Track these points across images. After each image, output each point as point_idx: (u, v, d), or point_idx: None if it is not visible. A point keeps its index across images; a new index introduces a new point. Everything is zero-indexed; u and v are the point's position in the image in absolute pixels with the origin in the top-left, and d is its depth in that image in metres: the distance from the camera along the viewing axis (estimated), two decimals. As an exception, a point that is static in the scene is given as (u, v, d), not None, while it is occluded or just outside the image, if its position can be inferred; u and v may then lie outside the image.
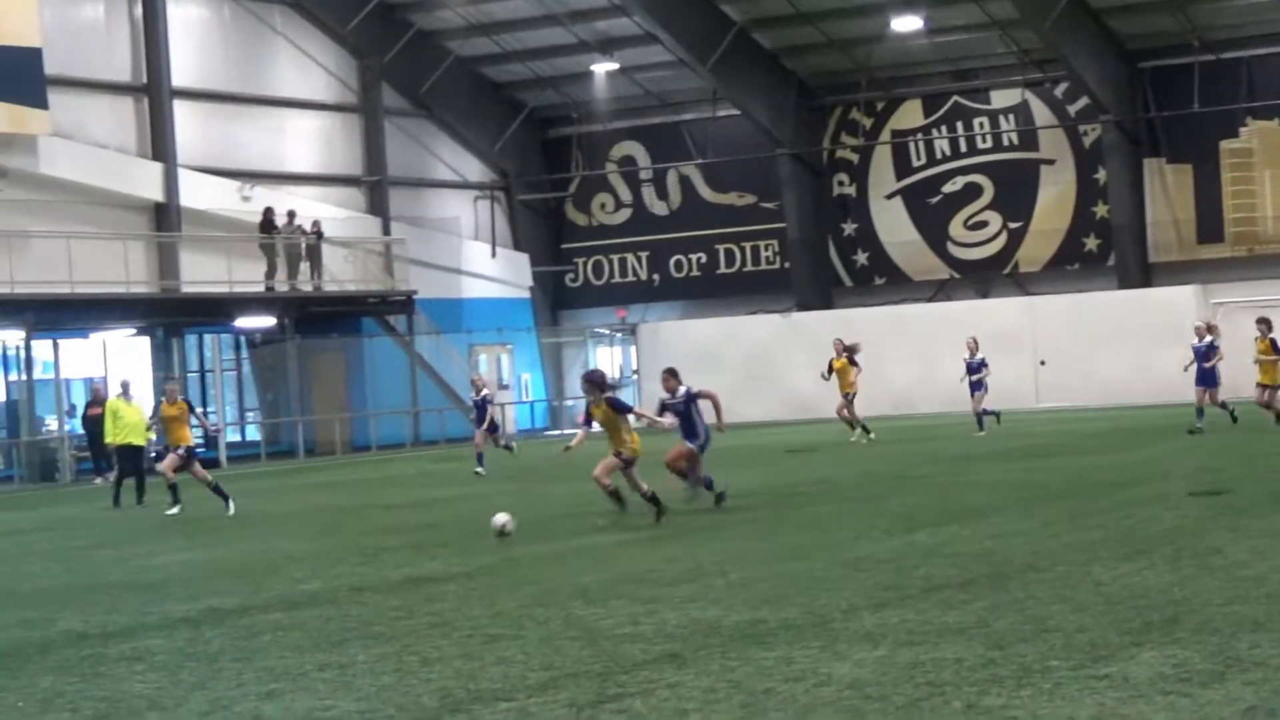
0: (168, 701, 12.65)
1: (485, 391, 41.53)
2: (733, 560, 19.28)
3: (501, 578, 19.71)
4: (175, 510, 32.33)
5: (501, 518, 23.23)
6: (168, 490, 33.12)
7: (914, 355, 55.49)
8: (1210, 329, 40.16)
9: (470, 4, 60.95)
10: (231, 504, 32.02)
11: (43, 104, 51.10)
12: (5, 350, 51.43)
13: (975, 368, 44.28)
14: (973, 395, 44.13)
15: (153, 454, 45.78)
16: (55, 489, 46.73)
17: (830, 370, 43.49)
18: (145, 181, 54.98)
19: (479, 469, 39.70)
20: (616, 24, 61.19)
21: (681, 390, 26.71)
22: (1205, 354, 39.19)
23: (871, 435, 42.55)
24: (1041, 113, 61.45)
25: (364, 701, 12.28)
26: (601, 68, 64.60)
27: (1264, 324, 38.25)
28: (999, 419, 44.27)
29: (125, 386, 38.21)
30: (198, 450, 35.86)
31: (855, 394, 43.25)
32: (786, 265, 64.73)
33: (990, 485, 28.87)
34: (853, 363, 43.25)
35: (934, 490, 28.47)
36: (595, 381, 25.65)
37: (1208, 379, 39.09)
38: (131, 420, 36.84)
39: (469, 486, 36.68)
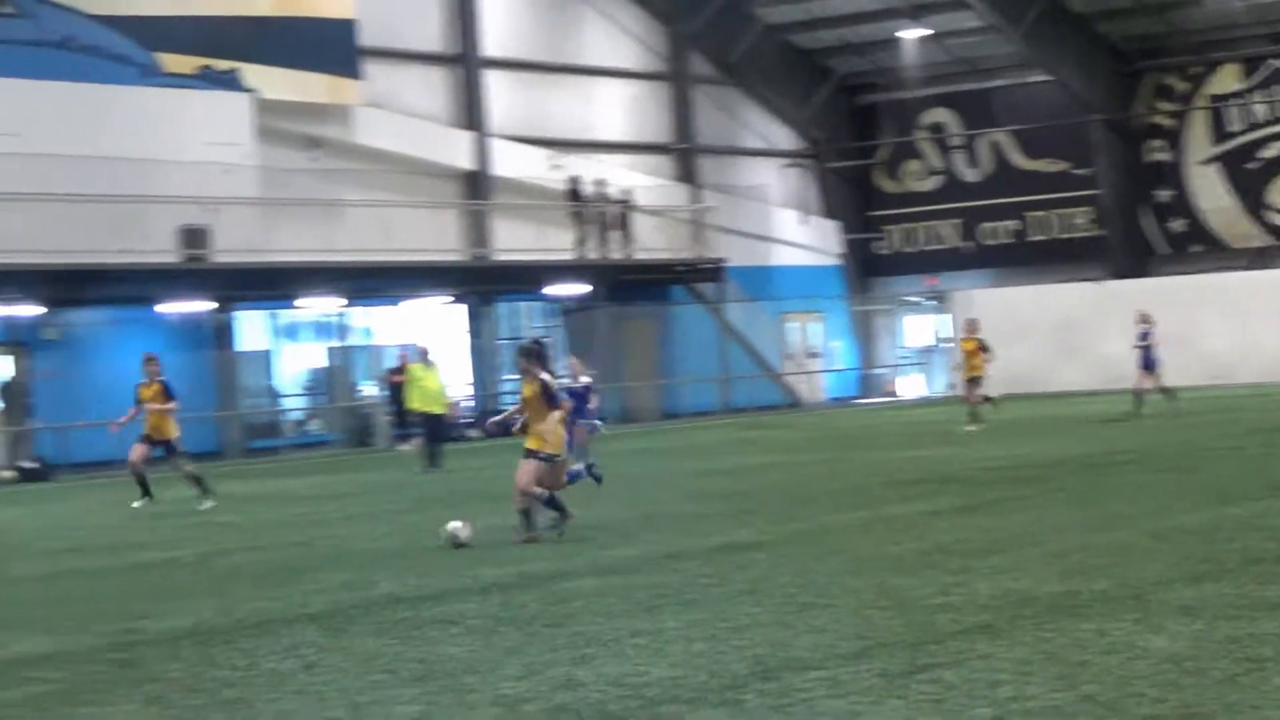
0: (482, 665, 12.79)
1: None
2: (1044, 530, 19.11)
3: (812, 546, 19.64)
4: (139, 504, 30.39)
5: (454, 525, 20.95)
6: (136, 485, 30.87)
7: (1232, 324, 54.30)
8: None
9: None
10: (209, 501, 30.07)
11: (357, 75, 52.28)
12: (324, 318, 52.37)
13: (1147, 344, 41.57)
14: (1144, 371, 41.75)
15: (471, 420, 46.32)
16: (370, 453, 47.61)
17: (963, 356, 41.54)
18: (457, 150, 55.95)
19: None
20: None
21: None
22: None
23: (982, 425, 40.03)
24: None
25: (676, 668, 12.28)
26: (910, 34, 64.24)
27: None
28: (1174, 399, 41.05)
29: (424, 353, 38.63)
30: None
31: (981, 378, 41.11)
32: (1100, 233, 64.00)
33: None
34: (983, 347, 41.28)
35: (1249, 462, 27.73)
36: (534, 353, 21.91)
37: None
38: (431, 387, 37.37)
39: (780, 454, 36.58)
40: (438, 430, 38.06)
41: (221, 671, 13.14)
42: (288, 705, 11.61)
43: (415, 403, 38.38)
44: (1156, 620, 13.03)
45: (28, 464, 43.05)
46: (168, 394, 30.53)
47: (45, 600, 18.55)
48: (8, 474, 43.06)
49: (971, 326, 42.78)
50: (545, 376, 21.30)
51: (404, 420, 44.26)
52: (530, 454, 20.99)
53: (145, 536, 25.51)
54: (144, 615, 16.67)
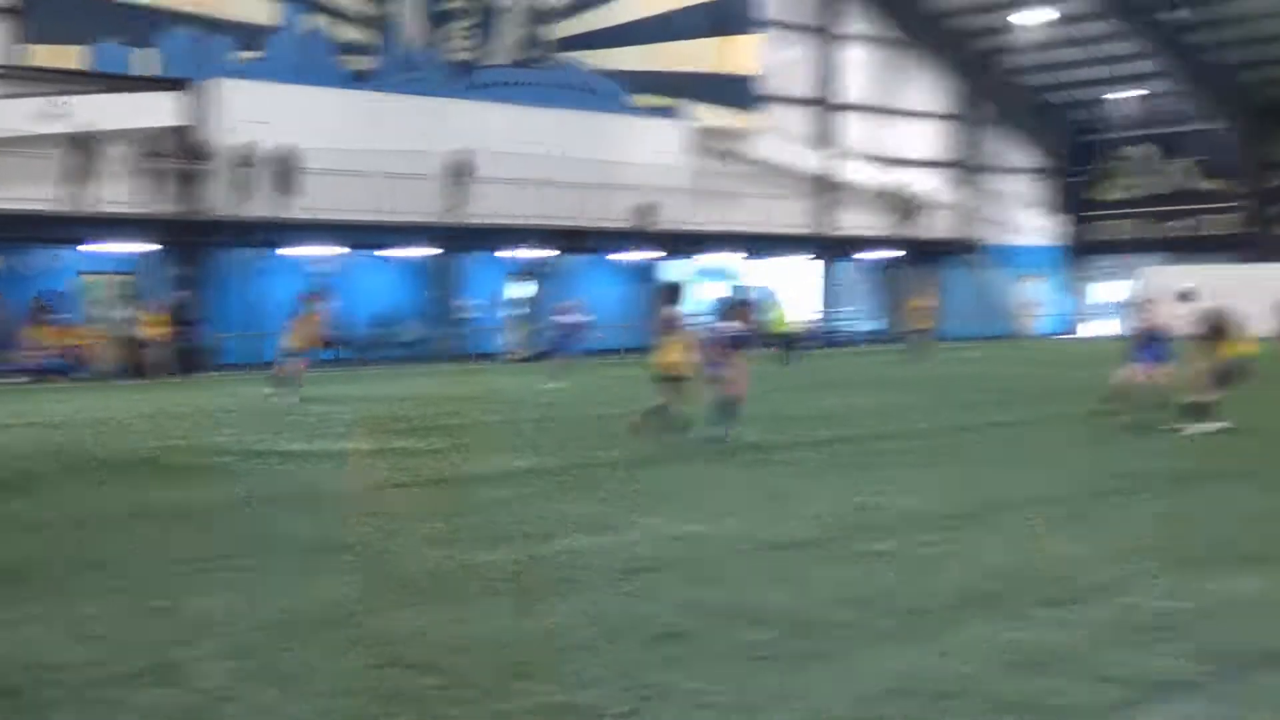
0: (807, 493, 13.01)
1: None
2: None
3: (1050, 426, 19.34)
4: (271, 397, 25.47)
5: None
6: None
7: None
8: None
9: (1040, 51, 59.24)
10: (269, 389, 26.00)
11: (758, 110, 52.36)
12: (724, 266, 52.31)
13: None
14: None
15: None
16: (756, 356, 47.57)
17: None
18: (814, 162, 55.53)
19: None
20: (1135, 64, 58.82)
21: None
22: None
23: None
24: None
25: (933, 501, 12.51)
26: (1120, 95, 62.03)
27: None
28: None
29: (773, 293, 38.70)
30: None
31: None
32: (1237, 231, 60.81)
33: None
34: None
35: None
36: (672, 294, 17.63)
37: None
38: (781, 315, 38.13)
39: (1023, 367, 35.54)
40: (790, 342, 38.62)
41: (640, 485, 13.62)
42: (665, 507, 12.03)
43: (774, 326, 39.15)
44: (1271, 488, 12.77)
45: (525, 354, 43.16)
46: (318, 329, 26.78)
47: (542, 434, 18.94)
48: (514, 355, 43.55)
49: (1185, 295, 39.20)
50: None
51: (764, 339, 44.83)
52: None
53: (605, 398, 25.38)
54: (595, 448, 17.09)
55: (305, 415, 22.47)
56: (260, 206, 38.65)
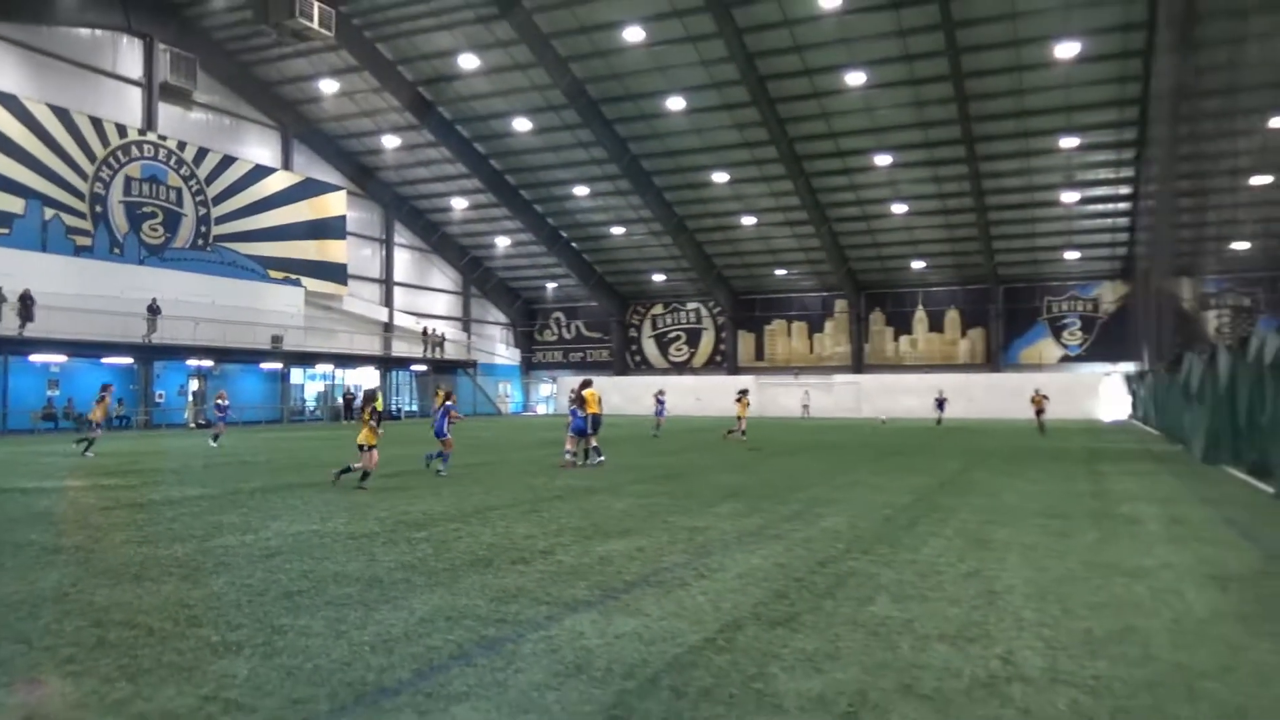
0: (375, 506, 12.23)
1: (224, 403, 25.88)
2: (587, 470, 18.29)
3: (488, 468, 18.52)
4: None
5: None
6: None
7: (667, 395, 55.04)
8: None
9: (506, 259, 60.70)
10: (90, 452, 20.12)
11: (344, 284, 50.42)
12: (325, 373, 50.00)
13: (661, 403, 30.66)
14: (659, 415, 31.20)
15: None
16: (348, 425, 45.41)
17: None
18: (381, 314, 54.05)
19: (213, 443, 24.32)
20: (557, 270, 61.16)
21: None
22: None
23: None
24: (705, 313, 61.94)
25: (447, 508, 12.02)
26: (550, 285, 64.45)
27: (744, 392, 27.81)
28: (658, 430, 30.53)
29: (372, 391, 36.89)
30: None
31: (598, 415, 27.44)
32: (611, 360, 64.71)
33: (689, 444, 25.33)
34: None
35: (660, 444, 25.73)
36: (368, 397, 15.26)
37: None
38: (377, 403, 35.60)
39: (492, 432, 34.39)
40: (381, 416, 36.52)
41: (272, 505, 12.37)
42: (287, 517, 11.06)
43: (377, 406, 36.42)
44: (620, 497, 13.25)
45: (201, 421, 39.98)
46: (106, 408, 20.63)
47: (202, 475, 17.08)
48: (193, 425, 39.98)
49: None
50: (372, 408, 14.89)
51: (351, 414, 42.66)
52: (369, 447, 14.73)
53: (251, 451, 23.24)
54: (242, 482, 15.61)
55: (39, 462, 19.19)
56: (6, 329, 33.49)
